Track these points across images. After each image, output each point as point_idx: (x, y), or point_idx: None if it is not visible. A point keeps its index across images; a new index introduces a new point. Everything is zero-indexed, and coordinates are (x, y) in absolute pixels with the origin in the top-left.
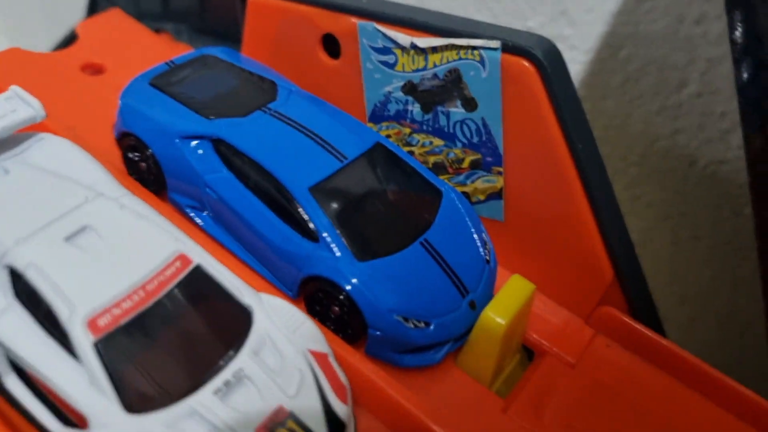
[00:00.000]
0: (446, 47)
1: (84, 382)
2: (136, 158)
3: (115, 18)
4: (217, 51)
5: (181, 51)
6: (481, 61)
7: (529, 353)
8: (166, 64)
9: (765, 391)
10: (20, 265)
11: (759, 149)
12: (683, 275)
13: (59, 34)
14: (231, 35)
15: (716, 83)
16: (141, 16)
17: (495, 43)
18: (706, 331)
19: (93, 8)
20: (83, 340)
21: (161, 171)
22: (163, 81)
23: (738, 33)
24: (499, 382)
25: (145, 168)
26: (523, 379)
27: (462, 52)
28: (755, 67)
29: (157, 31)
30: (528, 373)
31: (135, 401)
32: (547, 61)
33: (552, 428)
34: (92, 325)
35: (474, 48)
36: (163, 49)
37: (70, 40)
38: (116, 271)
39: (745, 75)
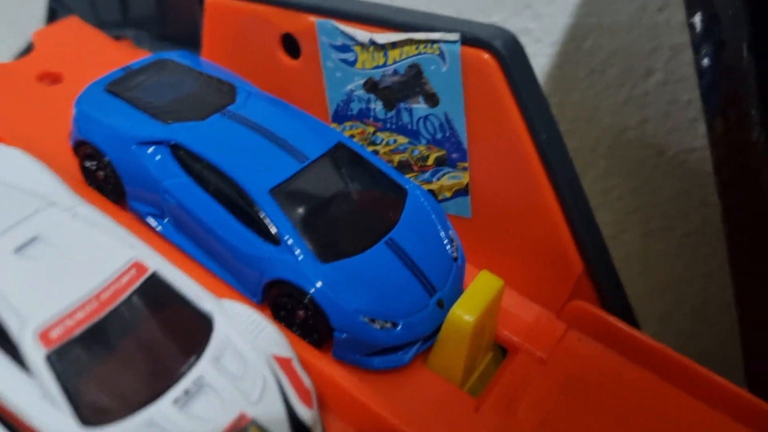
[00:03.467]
0: (405, 42)
1: (37, 396)
2: (93, 167)
3: (73, 26)
4: (174, 55)
5: (141, 56)
6: (441, 55)
7: (502, 350)
8: (122, 69)
9: (739, 379)
10: None
11: (720, 133)
12: (656, 266)
13: (18, 44)
14: (192, 41)
15: (681, 71)
16: (100, 23)
17: (454, 36)
18: (680, 320)
19: (52, 17)
20: (34, 352)
21: (119, 179)
22: (118, 87)
23: (697, 18)
24: (471, 381)
25: (102, 177)
26: (495, 376)
27: (421, 46)
28: (714, 50)
29: (118, 38)
30: (500, 371)
31: (91, 414)
32: (506, 51)
33: (525, 425)
34: (44, 337)
35: (433, 42)
36: (122, 56)
37: (28, 50)
38: (69, 281)
39: (705, 60)
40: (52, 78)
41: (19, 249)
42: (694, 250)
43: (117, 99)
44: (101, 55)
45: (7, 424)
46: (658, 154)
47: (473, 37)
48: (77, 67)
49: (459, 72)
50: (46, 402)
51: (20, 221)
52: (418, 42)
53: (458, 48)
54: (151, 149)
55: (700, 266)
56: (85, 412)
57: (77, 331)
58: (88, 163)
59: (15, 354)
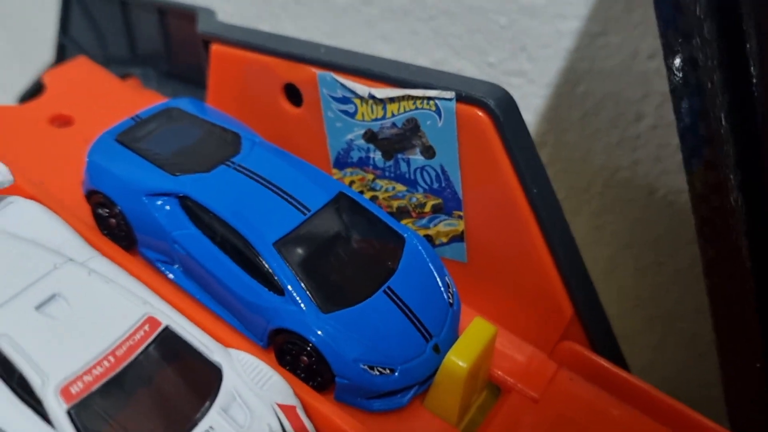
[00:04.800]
0: (403, 98)
1: None
2: (105, 214)
3: (82, 66)
4: (182, 103)
5: (149, 98)
6: (437, 111)
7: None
8: (132, 119)
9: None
10: None
11: (701, 195)
12: (648, 299)
13: (25, 80)
14: (197, 80)
15: (670, 116)
16: (108, 61)
17: (449, 94)
18: (673, 350)
19: (61, 52)
20: (57, 407)
21: (130, 227)
22: (128, 137)
23: (677, 77)
24: (466, 421)
25: (114, 224)
26: (488, 416)
27: (418, 102)
28: (695, 115)
29: (125, 76)
30: (494, 411)
31: None
32: (499, 109)
33: None
34: (65, 392)
35: (429, 98)
36: (131, 97)
37: (36, 89)
38: (86, 339)
39: (686, 120)
40: (63, 120)
41: (39, 306)
42: (685, 284)
43: (127, 150)
44: (110, 96)
45: None
46: (650, 194)
47: (467, 96)
48: (87, 110)
49: (454, 127)
50: None
51: (40, 278)
52: (415, 98)
53: (453, 105)
54: (160, 201)
55: (691, 299)
56: None
57: (96, 386)
58: (100, 211)
59: (38, 407)
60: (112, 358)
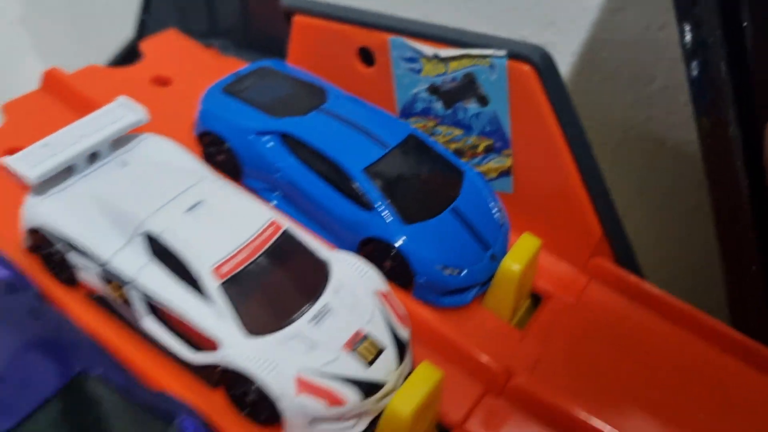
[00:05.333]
0: (463, 56)
1: (213, 316)
2: (215, 152)
3: (172, 36)
4: (271, 63)
5: (232, 62)
6: (491, 67)
7: (536, 300)
8: (233, 75)
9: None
10: (156, 231)
11: (707, 130)
12: (661, 239)
13: (89, 54)
14: (272, 49)
15: (679, 77)
16: (189, 33)
17: (501, 52)
18: (684, 281)
19: (142, 27)
20: (211, 283)
21: (237, 162)
22: (233, 89)
23: (687, 38)
24: (516, 319)
25: (223, 160)
26: (534, 315)
27: (475, 59)
28: (700, 66)
29: (206, 46)
30: (538, 312)
31: (254, 327)
32: (542, 65)
33: (557, 351)
34: (217, 271)
35: (485, 56)
36: (216, 61)
37: (125, 56)
38: (228, 233)
39: (694, 72)
40: (162, 81)
41: (189, 210)
42: (694, 223)
43: (234, 98)
44: (199, 60)
45: (184, 339)
46: (660, 146)
47: (517, 53)
48: (182, 71)
49: (505, 80)
50: (220, 319)
51: (186, 189)
52: (473, 56)
53: (505, 61)
54: (265, 138)
55: (700, 237)
56: (249, 326)
57: (239, 268)
58: (211, 149)
59: (194, 285)
60: (249, 249)
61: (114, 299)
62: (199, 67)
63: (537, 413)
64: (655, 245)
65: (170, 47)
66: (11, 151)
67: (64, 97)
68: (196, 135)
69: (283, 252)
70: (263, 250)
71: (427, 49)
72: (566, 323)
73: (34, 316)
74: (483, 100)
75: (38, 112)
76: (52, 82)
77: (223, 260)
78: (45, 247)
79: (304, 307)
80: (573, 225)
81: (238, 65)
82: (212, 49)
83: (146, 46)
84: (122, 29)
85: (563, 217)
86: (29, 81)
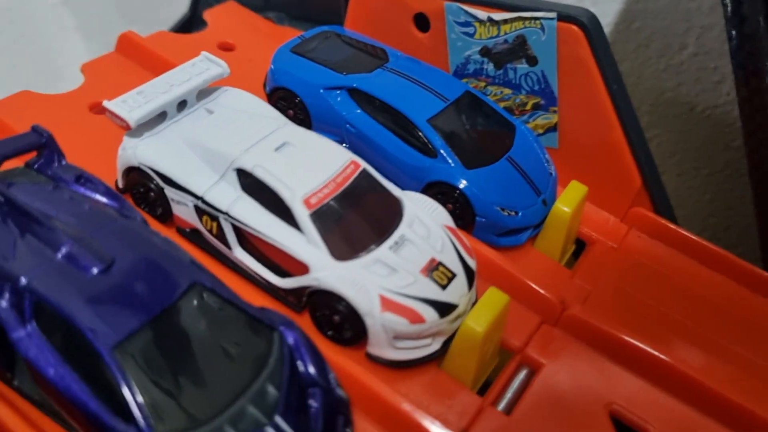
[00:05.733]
0: (515, 19)
1: (304, 242)
2: (285, 106)
3: (232, 7)
4: (333, 28)
5: (289, 31)
6: (541, 28)
7: (579, 249)
8: (299, 37)
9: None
10: (248, 166)
11: (745, 96)
12: (687, 199)
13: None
14: (325, 20)
15: (709, 45)
16: (246, 6)
17: (552, 14)
18: (715, 237)
19: (195, 4)
20: (302, 212)
21: (307, 115)
22: (301, 49)
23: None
24: (564, 261)
25: (293, 114)
26: (581, 257)
27: (527, 22)
28: (738, 24)
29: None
30: (584, 254)
31: (340, 253)
32: (590, 26)
33: (605, 288)
34: (307, 202)
35: (536, 18)
36: (274, 30)
37: (185, 25)
38: (314, 170)
39: (734, 42)
40: (227, 47)
41: (277, 149)
42: (718, 185)
43: (303, 58)
44: (258, 29)
45: (278, 266)
46: (690, 110)
47: (567, 15)
48: (243, 38)
49: (554, 40)
50: (311, 245)
51: (272, 132)
52: (525, 19)
53: (555, 23)
54: (334, 92)
55: (722, 199)
56: (336, 252)
57: (326, 201)
58: (282, 103)
59: (284, 216)
60: (333, 184)
61: (207, 231)
62: (258, 35)
63: (590, 340)
64: (683, 209)
65: (231, 17)
66: (93, 107)
67: (137, 58)
68: (267, 92)
69: (363, 188)
70: (346, 185)
71: (481, 13)
72: (611, 264)
73: (149, 234)
74: (532, 60)
75: (114, 72)
76: (127, 44)
77: (312, 192)
78: (141, 185)
79: (384, 236)
80: (614, 177)
81: (295, 33)
82: (267, 21)
83: (209, 15)
84: (158, 8)
85: (605, 170)
86: (78, 57)
